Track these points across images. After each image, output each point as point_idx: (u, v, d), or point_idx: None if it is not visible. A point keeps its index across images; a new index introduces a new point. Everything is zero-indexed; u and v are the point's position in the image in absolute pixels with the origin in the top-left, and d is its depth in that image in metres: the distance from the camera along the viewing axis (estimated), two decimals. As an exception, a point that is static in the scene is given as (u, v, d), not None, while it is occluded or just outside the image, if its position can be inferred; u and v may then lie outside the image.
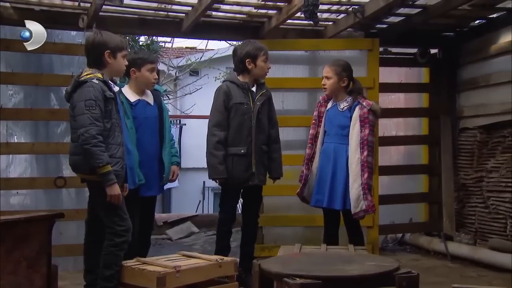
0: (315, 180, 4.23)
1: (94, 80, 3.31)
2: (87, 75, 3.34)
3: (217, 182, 4.23)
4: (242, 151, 4.08)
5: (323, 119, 4.26)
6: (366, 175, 3.98)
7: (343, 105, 4.18)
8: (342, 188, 4.07)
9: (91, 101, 3.26)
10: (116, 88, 3.54)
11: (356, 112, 4.08)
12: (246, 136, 4.09)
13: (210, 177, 4.19)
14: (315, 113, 4.32)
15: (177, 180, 4.58)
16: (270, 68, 4.26)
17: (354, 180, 4.01)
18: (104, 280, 3.32)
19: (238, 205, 4.45)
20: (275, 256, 3.52)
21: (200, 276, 3.36)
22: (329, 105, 4.27)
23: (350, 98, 4.17)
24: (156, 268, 3.24)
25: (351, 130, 4.08)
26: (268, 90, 4.27)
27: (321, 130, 4.25)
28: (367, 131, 4.03)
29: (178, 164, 4.21)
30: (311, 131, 4.31)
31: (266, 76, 4.29)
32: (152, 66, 3.99)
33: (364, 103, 4.09)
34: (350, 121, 4.10)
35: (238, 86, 4.15)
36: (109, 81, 3.44)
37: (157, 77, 4.05)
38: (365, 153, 4.00)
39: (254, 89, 4.18)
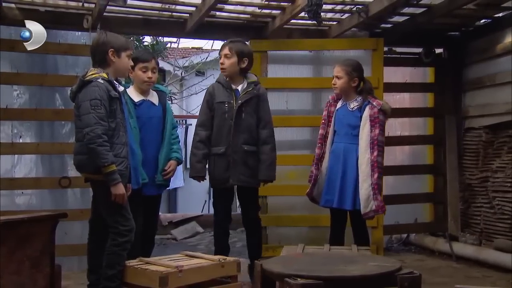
0: (324, 180, 4.19)
1: (99, 80, 3.33)
2: (92, 74, 3.36)
3: (200, 182, 4.21)
4: (221, 150, 4.06)
5: (332, 119, 4.22)
6: (376, 175, 3.95)
7: (353, 104, 4.15)
8: (352, 188, 4.04)
9: (96, 101, 3.27)
10: (121, 88, 3.55)
11: (366, 112, 4.05)
12: (226, 135, 4.06)
13: (190, 175, 4.22)
14: (325, 112, 4.27)
15: (182, 180, 4.60)
16: (222, 63, 4.08)
17: (364, 180, 3.98)
18: (107, 279, 3.33)
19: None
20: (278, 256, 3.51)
21: (202, 276, 3.36)
22: (339, 104, 4.23)
23: (360, 98, 4.14)
24: (158, 268, 3.24)
25: (361, 130, 4.05)
26: (256, 89, 4.12)
27: (330, 130, 4.21)
28: (377, 131, 3.99)
29: (178, 159, 4.15)
30: (320, 131, 4.26)
31: (225, 71, 4.10)
32: (144, 65, 3.98)
33: (374, 103, 4.06)
34: (360, 120, 4.07)
35: (223, 85, 4.14)
36: (114, 81, 3.46)
37: (150, 76, 4.01)
38: (375, 153, 3.97)
39: (240, 87, 4.12)
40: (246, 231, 4.32)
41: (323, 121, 4.26)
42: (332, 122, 4.21)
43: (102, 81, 3.33)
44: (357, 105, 4.13)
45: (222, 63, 4.12)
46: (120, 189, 3.30)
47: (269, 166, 4.12)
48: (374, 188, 3.94)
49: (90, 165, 3.33)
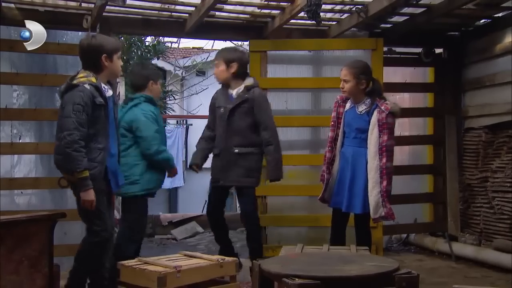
0: (335, 181, 4.12)
1: (86, 85, 3.31)
2: (80, 78, 3.35)
3: (197, 172, 4.57)
4: (216, 152, 4.33)
5: (342, 120, 4.13)
6: (385, 183, 3.90)
7: (362, 108, 4.05)
8: (362, 192, 3.98)
9: (79, 106, 3.27)
10: (109, 93, 3.49)
11: (375, 117, 3.95)
12: (221, 138, 4.29)
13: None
14: (333, 114, 4.17)
15: (182, 180, 4.75)
16: (215, 73, 4.37)
17: (373, 186, 3.93)
18: (74, 275, 3.42)
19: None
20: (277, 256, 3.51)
21: (201, 276, 3.36)
22: (347, 106, 4.12)
23: (368, 101, 4.03)
24: (156, 268, 3.24)
25: (370, 135, 3.97)
26: (250, 93, 4.24)
27: (340, 131, 4.12)
28: (385, 137, 3.92)
29: None
30: (330, 133, 4.16)
31: (217, 80, 4.39)
32: (161, 82, 4.30)
33: (382, 107, 3.95)
34: (369, 125, 3.98)
35: (222, 91, 4.35)
36: (102, 85, 3.41)
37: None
38: (384, 159, 3.91)
39: (235, 92, 4.25)
40: (245, 230, 4.40)
41: (332, 123, 4.16)
42: (342, 123, 4.13)
43: (88, 87, 3.31)
44: (366, 108, 4.03)
45: (215, 73, 4.37)
46: (90, 195, 3.30)
47: (275, 167, 4.28)
48: (383, 196, 3.91)
49: (65, 166, 3.34)
